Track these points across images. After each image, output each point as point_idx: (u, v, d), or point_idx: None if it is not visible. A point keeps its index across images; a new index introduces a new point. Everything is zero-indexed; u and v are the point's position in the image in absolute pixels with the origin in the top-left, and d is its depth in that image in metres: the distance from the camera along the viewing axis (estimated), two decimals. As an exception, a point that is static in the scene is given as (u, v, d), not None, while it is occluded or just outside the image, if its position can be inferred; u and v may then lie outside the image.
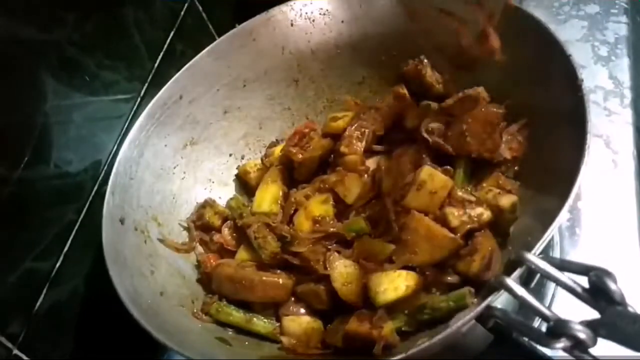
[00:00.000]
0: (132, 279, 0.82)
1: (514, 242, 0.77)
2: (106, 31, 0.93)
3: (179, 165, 1.03)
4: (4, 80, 0.76)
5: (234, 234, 0.98)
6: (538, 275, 0.67)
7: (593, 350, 0.57)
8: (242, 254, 0.94)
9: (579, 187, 0.67)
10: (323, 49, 1.09)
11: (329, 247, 0.87)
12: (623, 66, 1.16)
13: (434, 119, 0.89)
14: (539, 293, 0.89)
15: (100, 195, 0.89)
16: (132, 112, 1.00)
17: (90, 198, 0.90)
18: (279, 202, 0.99)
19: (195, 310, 0.87)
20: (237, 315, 0.87)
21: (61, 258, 0.84)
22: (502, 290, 0.63)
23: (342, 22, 1.08)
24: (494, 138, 0.83)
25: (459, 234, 0.76)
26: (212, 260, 0.94)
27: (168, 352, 0.97)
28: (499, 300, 0.65)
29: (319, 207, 0.92)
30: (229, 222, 1.00)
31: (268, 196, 1.00)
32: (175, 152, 1.03)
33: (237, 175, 1.10)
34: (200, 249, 0.98)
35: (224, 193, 1.08)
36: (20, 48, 0.78)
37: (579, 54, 1.18)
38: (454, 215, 0.77)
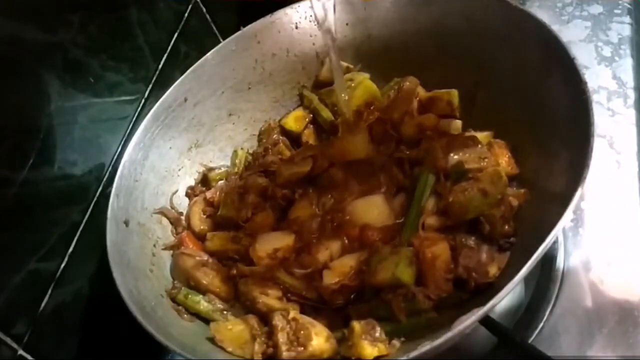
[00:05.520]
0: (136, 281, 0.82)
1: (518, 244, 0.78)
2: (110, 33, 0.94)
3: (184, 168, 1.03)
4: (9, 82, 0.76)
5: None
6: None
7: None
8: (215, 240, 0.94)
9: (582, 188, 0.66)
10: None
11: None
12: (627, 67, 1.15)
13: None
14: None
15: (105, 196, 0.90)
16: (137, 114, 1.00)
17: (95, 199, 0.90)
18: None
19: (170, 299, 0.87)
20: (204, 305, 0.87)
21: (66, 259, 0.85)
22: (505, 293, 0.63)
23: (347, 24, 1.08)
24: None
25: None
26: (187, 240, 0.95)
27: (171, 352, 0.97)
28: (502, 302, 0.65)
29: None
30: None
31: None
32: (180, 155, 1.03)
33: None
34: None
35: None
36: (25, 50, 0.79)
37: (583, 54, 1.18)
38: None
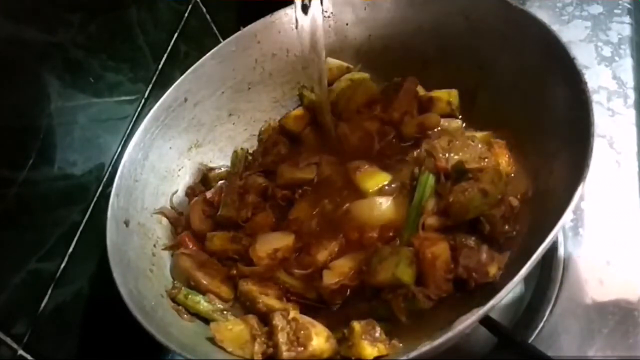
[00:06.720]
0: (136, 281, 0.82)
1: (518, 244, 0.78)
2: (110, 33, 0.94)
3: (184, 168, 1.03)
4: (9, 82, 0.76)
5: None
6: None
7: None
8: (215, 240, 0.93)
9: (582, 188, 0.66)
10: (327, 52, 1.09)
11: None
12: (627, 67, 1.15)
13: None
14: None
15: (105, 196, 0.90)
16: (136, 114, 1.00)
17: (95, 199, 0.90)
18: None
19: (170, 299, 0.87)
20: (204, 305, 0.87)
21: (66, 259, 0.85)
22: (505, 293, 0.63)
23: (347, 24, 1.08)
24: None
25: None
26: (187, 240, 0.95)
27: (171, 352, 0.97)
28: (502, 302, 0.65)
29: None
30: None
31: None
32: (180, 155, 1.03)
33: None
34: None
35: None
36: (25, 50, 0.79)
37: (583, 54, 1.17)
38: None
